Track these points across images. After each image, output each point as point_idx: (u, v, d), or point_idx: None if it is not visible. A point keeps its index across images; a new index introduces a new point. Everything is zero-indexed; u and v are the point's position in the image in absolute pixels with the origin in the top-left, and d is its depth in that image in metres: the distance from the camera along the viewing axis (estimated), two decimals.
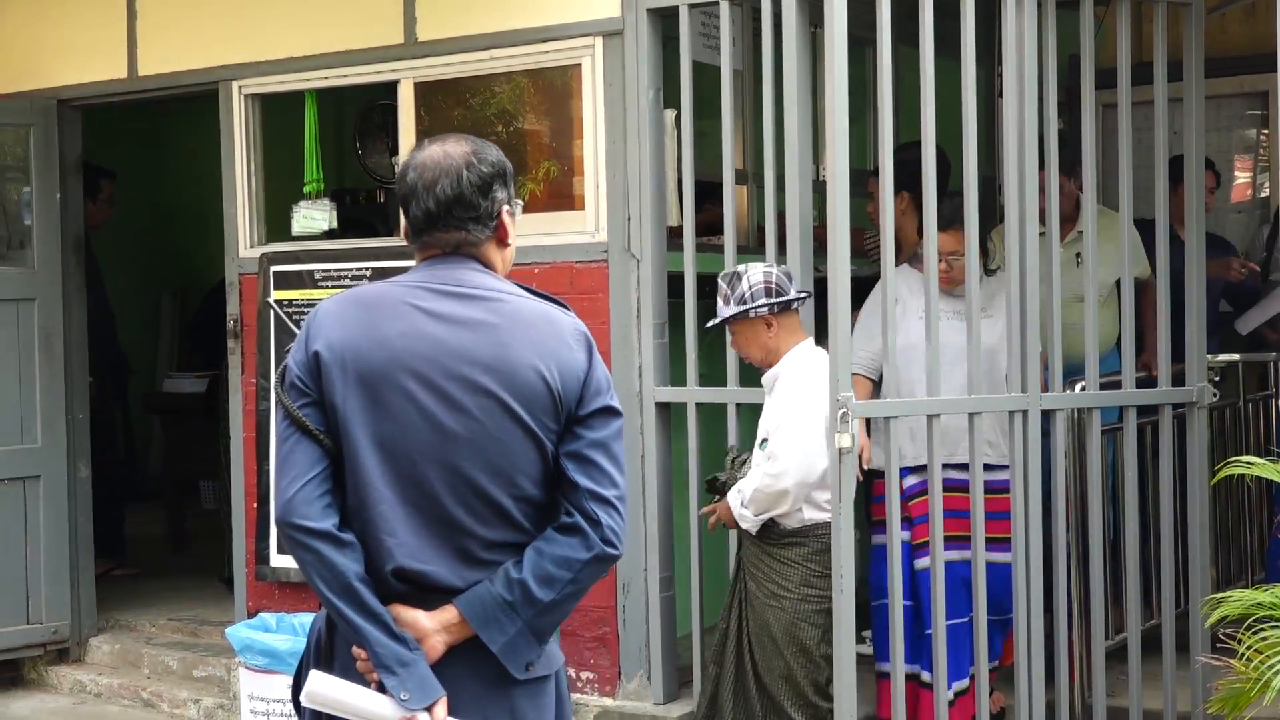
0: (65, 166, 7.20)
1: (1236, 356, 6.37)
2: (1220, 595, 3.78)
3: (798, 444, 4.67)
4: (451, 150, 3.01)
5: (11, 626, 6.99)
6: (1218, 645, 4.07)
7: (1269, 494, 6.34)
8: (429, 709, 2.82)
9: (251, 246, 6.70)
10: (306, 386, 2.89)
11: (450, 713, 2.85)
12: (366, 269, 6.14)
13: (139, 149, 8.92)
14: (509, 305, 2.96)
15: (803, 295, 4.90)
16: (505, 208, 3.04)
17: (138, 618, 7.52)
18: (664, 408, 5.75)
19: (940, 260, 4.97)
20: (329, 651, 2.97)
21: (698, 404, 5.63)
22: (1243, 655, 3.51)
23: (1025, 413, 4.82)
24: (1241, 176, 8.19)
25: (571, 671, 5.99)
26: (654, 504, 5.74)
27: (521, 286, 3.04)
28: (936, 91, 4.65)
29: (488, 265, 3.03)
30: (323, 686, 2.83)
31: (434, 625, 2.87)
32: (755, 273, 4.80)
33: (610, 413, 2.97)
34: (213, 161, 6.84)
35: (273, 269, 6.50)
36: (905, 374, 5.08)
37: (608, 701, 5.80)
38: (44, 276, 7.11)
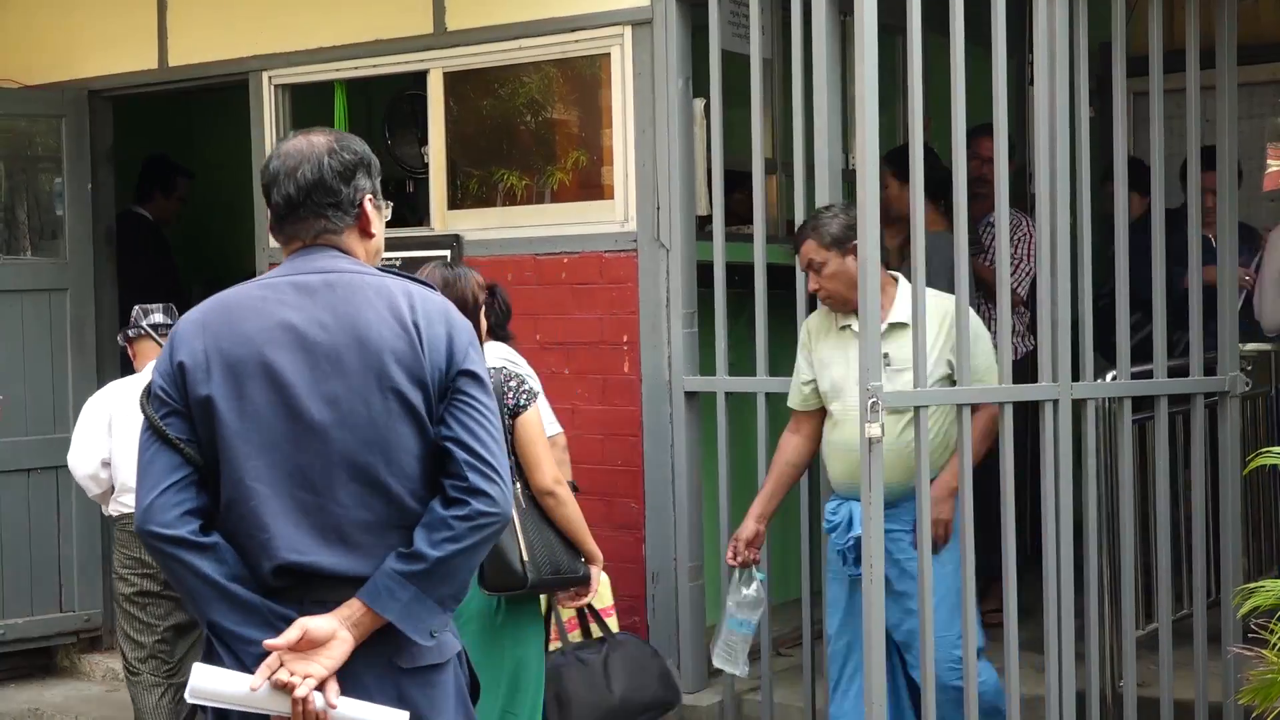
0: (96, 157, 7.24)
1: (1268, 346, 6.33)
2: (1252, 585, 3.76)
3: (76, 440, 5.38)
4: (316, 140, 3.03)
5: (44, 615, 7.04)
6: (1249, 636, 4.04)
7: None
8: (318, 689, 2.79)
9: None
10: (169, 396, 2.87)
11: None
12: (396, 259, 6.14)
13: (168, 140, 8.94)
14: (360, 281, 2.96)
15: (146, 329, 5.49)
16: (369, 198, 3.04)
17: None
18: (693, 397, 5.76)
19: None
20: (209, 659, 2.92)
21: (727, 393, 5.63)
22: (1274, 646, 3.49)
23: (1056, 402, 4.80)
24: (1274, 164, 8.13)
25: None
26: (683, 493, 5.75)
27: (387, 270, 3.05)
28: (967, 79, 4.63)
29: (348, 254, 3.03)
30: (206, 680, 2.79)
31: (339, 620, 2.82)
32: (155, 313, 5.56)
33: (472, 377, 2.94)
34: (243, 152, 6.86)
35: None
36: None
37: None
38: (75, 267, 7.15)
